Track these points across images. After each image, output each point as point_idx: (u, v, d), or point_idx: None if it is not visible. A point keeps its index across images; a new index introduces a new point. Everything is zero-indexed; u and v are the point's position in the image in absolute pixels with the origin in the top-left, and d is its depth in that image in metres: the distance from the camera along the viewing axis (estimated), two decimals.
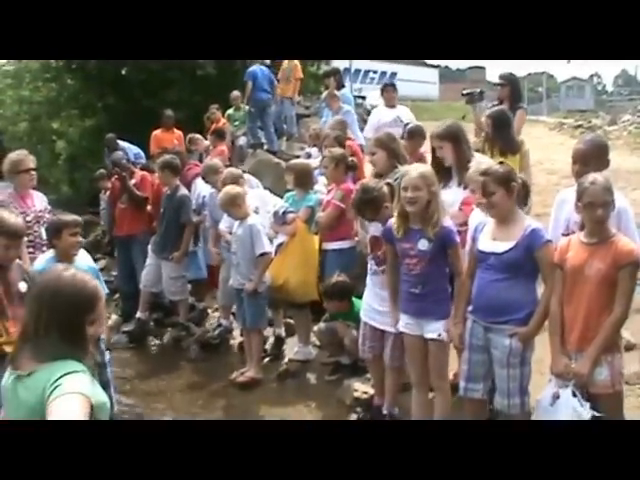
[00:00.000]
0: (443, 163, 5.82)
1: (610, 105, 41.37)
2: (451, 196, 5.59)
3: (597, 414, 4.14)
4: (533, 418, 4.55)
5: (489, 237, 4.72)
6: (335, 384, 6.59)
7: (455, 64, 70.18)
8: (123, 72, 21.40)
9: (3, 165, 7.04)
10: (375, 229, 5.55)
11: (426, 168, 5.18)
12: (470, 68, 54.18)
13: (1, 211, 5.28)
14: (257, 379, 6.99)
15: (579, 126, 20.32)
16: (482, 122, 7.39)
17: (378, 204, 5.42)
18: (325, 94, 12.05)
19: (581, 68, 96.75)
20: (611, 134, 17.15)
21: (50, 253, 5.67)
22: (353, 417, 6.03)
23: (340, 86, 12.22)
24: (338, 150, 7.09)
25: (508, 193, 4.59)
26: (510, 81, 8.53)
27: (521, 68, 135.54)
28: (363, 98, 19.73)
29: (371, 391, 6.14)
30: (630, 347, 5.77)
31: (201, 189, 8.80)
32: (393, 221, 5.10)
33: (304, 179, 7.25)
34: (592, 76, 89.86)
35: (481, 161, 5.34)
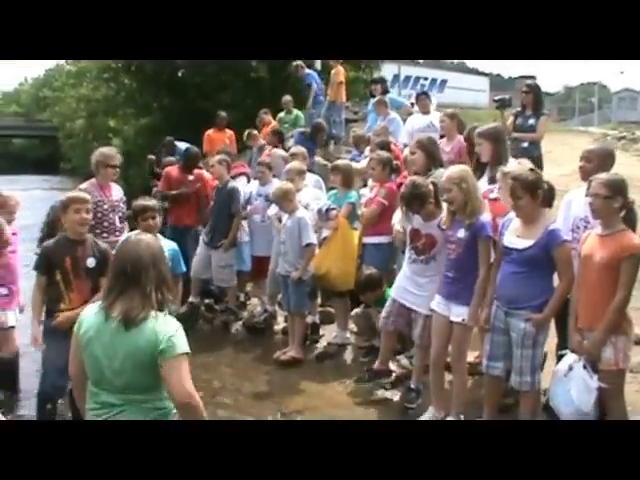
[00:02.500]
0: (480, 158, 6.45)
1: None
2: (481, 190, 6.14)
3: (603, 385, 4.72)
4: (550, 387, 5.11)
5: (514, 234, 5.30)
6: (368, 364, 7.19)
7: (506, 73, 70.06)
8: (179, 74, 22.09)
9: (93, 156, 7.77)
10: (417, 222, 6.17)
11: (454, 169, 5.80)
12: (521, 77, 54.08)
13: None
14: (298, 358, 7.65)
15: (622, 137, 20.49)
16: (508, 125, 8.34)
17: (424, 199, 6.03)
18: (373, 100, 12.63)
19: (635, 79, 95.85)
20: None
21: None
22: (381, 393, 6.70)
23: (385, 92, 12.81)
24: (385, 153, 7.72)
25: (534, 198, 5.17)
26: (533, 89, 9.16)
27: (574, 78, 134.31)
28: (412, 105, 20.12)
29: (398, 370, 6.84)
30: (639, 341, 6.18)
31: (244, 187, 9.50)
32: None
33: (348, 178, 7.91)
34: None
35: (518, 161, 5.96)
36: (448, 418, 5.79)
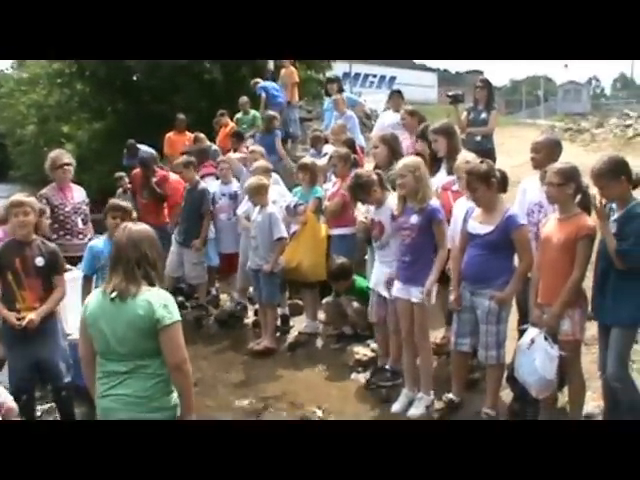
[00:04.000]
0: (437, 154, 6.98)
1: (607, 108, 41.83)
2: (438, 180, 6.78)
3: (563, 353, 5.16)
4: (515, 359, 5.49)
5: (475, 220, 5.78)
6: (339, 351, 7.63)
7: (454, 68, 70.85)
8: (134, 78, 22.16)
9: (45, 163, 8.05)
10: (370, 213, 6.69)
11: (410, 158, 6.34)
12: (468, 72, 54.77)
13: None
14: (271, 348, 8.00)
15: (569, 129, 21.13)
16: (462, 120, 8.99)
17: (368, 187, 6.54)
18: (330, 99, 12.98)
19: (579, 72, 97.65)
20: (598, 136, 18.06)
21: None
22: (354, 376, 7.09)
23: (340, 90, 13.18)
24: (343, 149, 8.17)
25: (489, 188, 5.64)
26: (487, 84, 9.64)
27: (520, 71, 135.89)
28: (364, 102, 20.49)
29: (370, 353, 7.22)
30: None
31: (211, 186, 9.81)
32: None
33: (313, 175, 8.31)
34: (590, 80, 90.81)
35: (467, 155, 6.42)
36: (418, 395, 6.22)
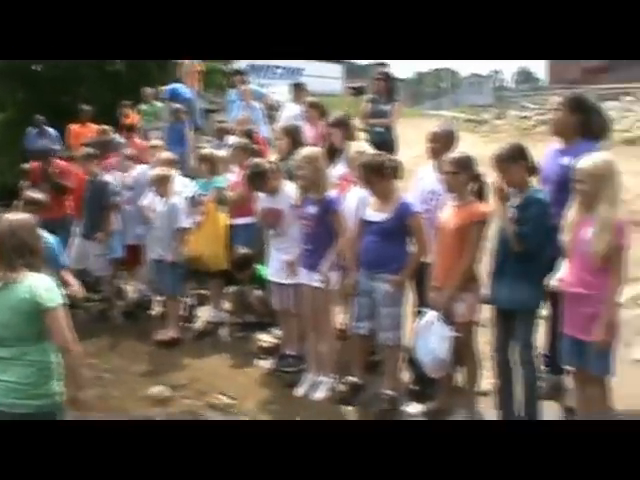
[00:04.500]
0: (335, 146, 7.17)
1: (509, 100, 42.75)
2: (337, 171, 6.96)
3: (458, 334, 5.44)
4: (414, 339, 5.74)
5: (371, 208, 5.98)
6: (244, 339, 7.76)
7: (360, 60, 71.17)
8: (36, 68, 21.63)
9: None
10: (265, 200, 6.91)
11: (309, 149, 6.52)
12: (374, 64, 55.29)
13: None
14: (177, 338, 8.06)
15: (470, 120, 21.73)
16: (363, 111, 9.22)
17: (264, 176, 6.76)
18: (234, 91, 13.03)
19: (482, 65, 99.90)
20: (498, 128, 18.61)
21: None
22: (258, 363, 7.25)
23: (245, 82, 13.23)
24: (244, 140, 8.30)
25: (383, 178, 5.85)
26: (387, 77, 9.85)
27: (425, 64, 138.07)
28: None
29: (273, 340, 7.39)
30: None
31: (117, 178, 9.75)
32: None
33: (213, 166, 8.40)
34: (493, 73, 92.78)
35: (359, 145, 6.63)
36: (321, 379, 6.40)
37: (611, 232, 4.63)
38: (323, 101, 9.83)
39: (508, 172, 5.21)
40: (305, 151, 6.47)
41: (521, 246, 5.09)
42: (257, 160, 7.09)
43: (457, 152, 5.72)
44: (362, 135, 8.97)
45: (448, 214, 5.60)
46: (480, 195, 5.63)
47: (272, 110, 13.74)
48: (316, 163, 6.26)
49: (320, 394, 6.32)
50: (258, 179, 6.80)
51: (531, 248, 5.09)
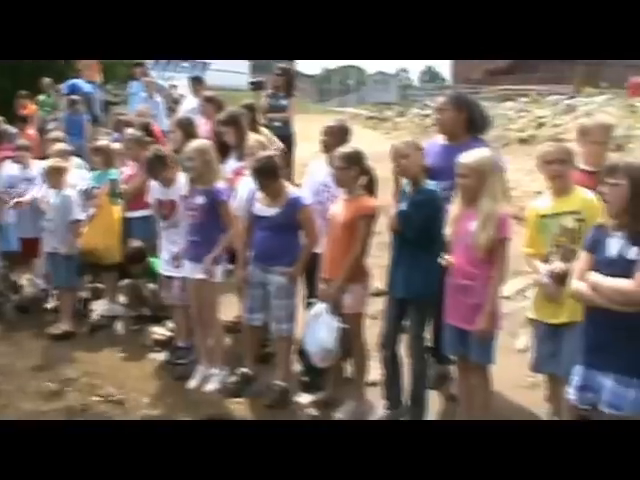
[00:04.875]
0: (226, 142, 7.24)
1: (413, 99, 43.41)
2: (229, 167, 7.06)
3: (345, 326, 5.57)
4: (304, 330, 5.84)
5: (262, 203, 6.06)
6: (138, 332, 7.73)
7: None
8: None
9: None
10: (158, 191, 6.93)
11: (199, 142, 6.57)
12: (281, 60, 55.34)
13: None
14: (70, 331, 7.92)
15: (372, 117, 22.10)
16: (262, 106, 9.11)
17: (164, 162, 6.81)
18: (136, 83, 12.91)
19: (389, 64, 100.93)
20: (399, 125, 18.95)
21: None
22: (152, 356, 7.23)
23: (145, 75, 13.14)
24: (138, 133, 8.26)
25: (274, 178, 5.95)
26: (286, 72, 9.95)
27: (332, 61, 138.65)
28: (173, 87, 20.34)
29: (167, 333, 7.39)
30: (379, 293, 6.85)
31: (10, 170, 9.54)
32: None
33: (108, 158, 8.33)
34: (399, 71, 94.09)
35: (257, 136, 6.89)
36: (213, 371, 6.44)
37: (493, 225, 4.78)
38: (230, 96, 9.87)
39: (404, 163, 5.32)
40: (195, 143, 6.50)
41: (396, 225, 5.27)
42: (156, 147, 7.12)
43: (347, 147, 5.82)
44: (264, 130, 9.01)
45: (338, 207, 5.71)
46: (370, 189, 5.75)
47: (176, 103, 13.71)
48: (205, 155, 6.30)
49: (211, 386, 6.35)
50: (158, 164, 6.79)
51: (407, 230, 5.24)
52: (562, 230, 4.83)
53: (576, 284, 4.11)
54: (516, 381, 5.79)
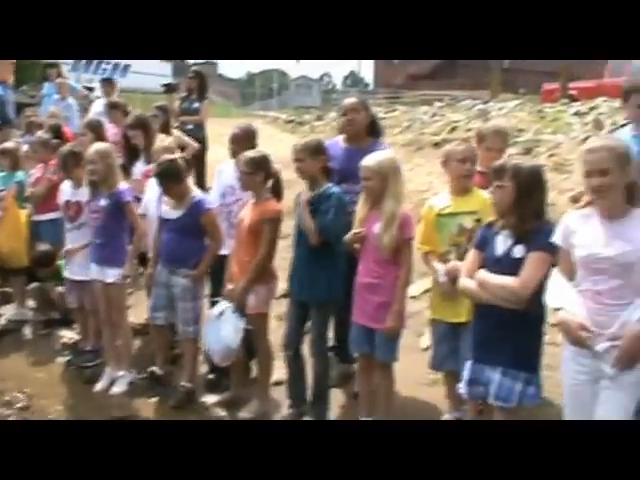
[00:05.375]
0: (135, 145, 7.29)
1: (335, 103, 43.68)
2: (138, 169, 7.14)
3: (249, 327, 5.63)
4: (204, 330, 5.91)
5: (167, 206, 6.12)
6: (47, 336, 7.66)
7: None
8: None
9: None
10: (68, 192, 6.90)
11: (101, 145, 6.57)
12: (202, 63, 55.11)
13: None
14: None
15: (291, 121, 22.20)
16: (175, 109, 9.11)
17: (78, 158, 6.74)
18: (50, 85, 12.74)
19: (312, 68, 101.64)
20: (317, 128, 19.06)
21: None
22: (60, 359, 7.16)
23: (59, 76, 12.99)
24: (45, 135, 8.22)
25: (178, 182, 6.01)
26: (198, 75, 10.02)
27: (256, 65, 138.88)
28: (91, 90, 20.10)
29: (75, 337, 7.33)
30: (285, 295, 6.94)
31: None
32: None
33: (15, 160, 8.22)
34: (322, 76, 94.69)
35: (164, 138, 6.90)
36: (120, 373, 6.43)
37: (397, 226, 4.90)
38: (151, 99, 9.85)
39: (304, 163, 5.40)
40: (97, 146, 6.50)
41: (321, 238, 5.26)
42: (63, 149, 7.06)
43: (253, 152, 5.86)
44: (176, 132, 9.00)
45: (246, 210, 5.77)
46: (276, 193, 5.83)
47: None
48: (108, 159, 6.32)
49: (118, 388, 6.34)
50: (72, 160, 6.76)
51: (331, 240, 5.27)
52: (460, 229, 4.94)
53: (464, 281, 4.27)
54: (418, 379, 5.91)
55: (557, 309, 3.85)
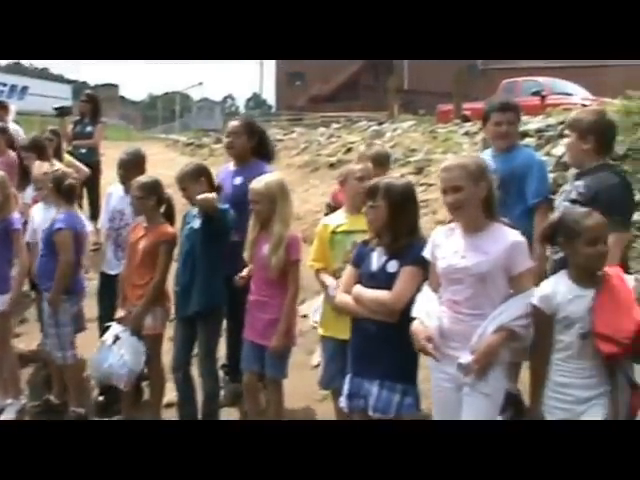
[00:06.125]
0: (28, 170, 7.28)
1: None
2: (28, 194, 7.24)
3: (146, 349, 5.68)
4: (95, 356, 5.83)
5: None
6: None
7: (92, 81, 70.11)
8: None
9: None
10: None
11: None
12: (103, 85, 54.51)
13: None
14: None
15: (190, 144, 22.24)
16: (68, 132, 9.05)
17: None
18: None
19: (215, 90, 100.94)
20: (217, 151, 19.08)
21: None
22: None
23: None
24: None
25: (60, 195, 6.10)
26: (92, 99, 9.98)
27: (158, 87, 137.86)
28: None
29: None
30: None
31: None
32: None
33: None
34: (226, 98, 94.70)
35: (42, 164, 6.98)
36: (8, 402, 6.31)
37: (284, 248, 5.04)
38: (49, 121, 9.75)
39: (188, 188, 5.50)
40: None
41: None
42: None
43: (145, 177, 5.93)
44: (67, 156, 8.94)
45: (139, 234, 5.81)
46: (169, 217, 5.90)
47: None
48: (5, 189, 6.21)
49: (6, 416, 6.23)
50: None
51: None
52: (354, 247, 5.00)
53: (341, 297, 4.41)
54: (308, 395, 6.01)
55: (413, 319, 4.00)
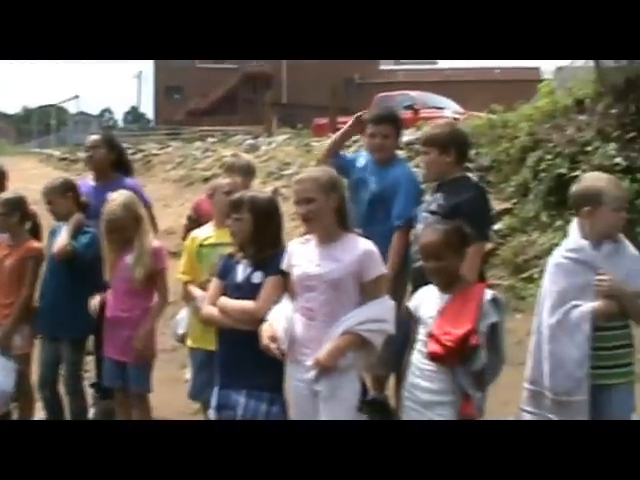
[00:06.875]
0: None
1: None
2: None
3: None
4: None
5: None
6: None
7: None
8: None
9: None
10: None
11: None
12: None
13: None
14: None
15: (64, 159, 21.83)
16: None
17: None
18: None
19: (91, 104, 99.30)
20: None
21: None
22: None
23: None
24: None
25: None
26: None
27: (33, 100, 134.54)
28: None
29: None
30: None
31: None
32: None
33: None
34: (103, 112, 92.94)
35: None
36: None
37: (149, 258, 5.09)
38: None
39: (55, 203, 5.51)
40: None
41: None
42: None
43: (8, 193, 5.87)
44: None
45: (3, 252, 5.68)
46: (35, 233, 5.81)
47: None
48: None
49: None
50: None
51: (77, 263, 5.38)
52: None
53: (207, 309, 4.45)
54: (180, 409, 6.00)
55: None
